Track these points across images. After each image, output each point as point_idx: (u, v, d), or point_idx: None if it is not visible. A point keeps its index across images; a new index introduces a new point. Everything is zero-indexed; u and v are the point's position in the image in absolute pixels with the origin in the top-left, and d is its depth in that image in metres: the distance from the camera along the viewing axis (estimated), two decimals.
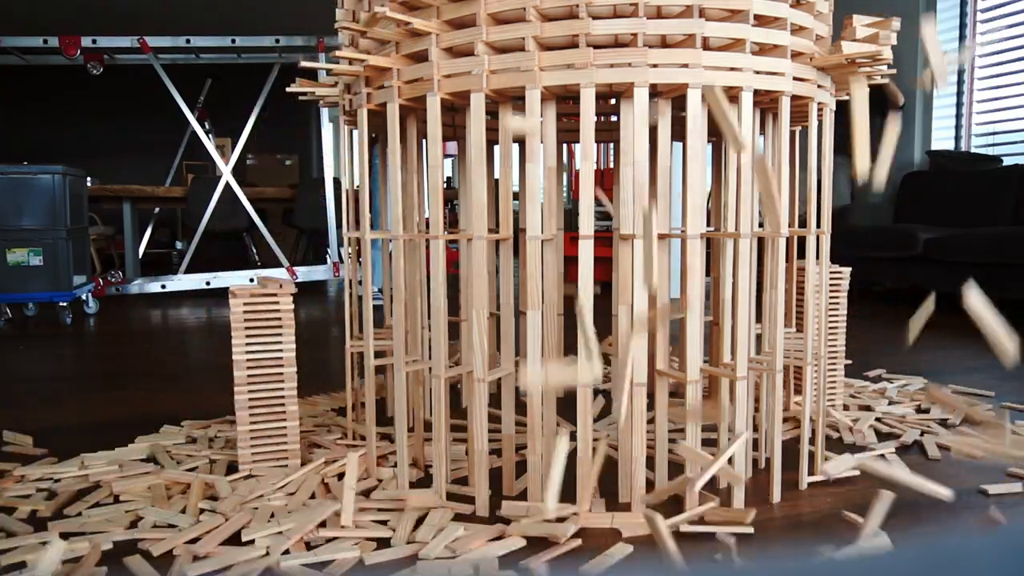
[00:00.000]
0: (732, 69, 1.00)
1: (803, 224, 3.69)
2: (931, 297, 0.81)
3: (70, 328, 3.04)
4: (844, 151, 4.08)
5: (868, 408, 1.63)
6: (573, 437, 1.36)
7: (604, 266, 3.99)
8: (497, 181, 1.27)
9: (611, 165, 5.04)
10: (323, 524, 1.03)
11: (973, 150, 4.02)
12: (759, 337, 1.43)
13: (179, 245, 5.96)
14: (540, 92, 1.00)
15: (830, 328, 1.57)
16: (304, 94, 1.39)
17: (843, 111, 3.88)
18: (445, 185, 5.84)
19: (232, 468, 1.28)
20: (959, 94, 4.03)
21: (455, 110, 1.51)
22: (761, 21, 1.02)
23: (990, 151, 3.91)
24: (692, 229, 1.04)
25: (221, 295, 4.20)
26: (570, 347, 2.33)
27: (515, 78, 0.99)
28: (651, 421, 1.41)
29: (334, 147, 4.47)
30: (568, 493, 1.14)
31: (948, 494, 0.96)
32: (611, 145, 4.57)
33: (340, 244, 4.11)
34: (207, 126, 4.74)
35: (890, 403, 1.68)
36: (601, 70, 0.97)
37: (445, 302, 1.09)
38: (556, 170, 1.36)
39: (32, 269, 3.05)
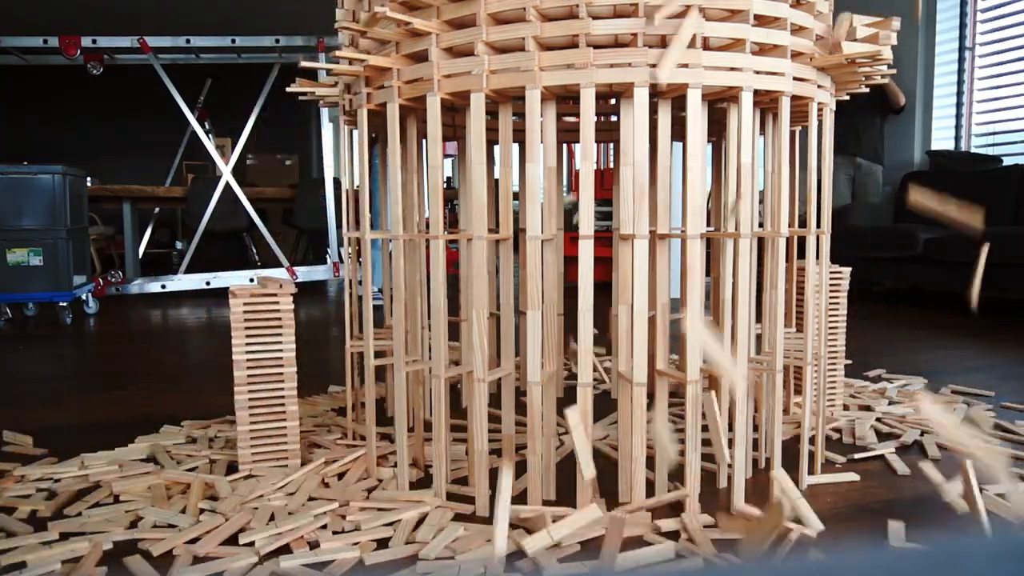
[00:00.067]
0: (732, 69, 1.00)
1: (803, 224, 3.69)
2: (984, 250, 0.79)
3: (70, 328, 3.04)
4: (844, 151, 4.08)
5: (868, 408, 1.63)
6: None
7: (604, 266, 3.99)
8: (497, 181, 1.27)
9: (611, 165, 5.04)
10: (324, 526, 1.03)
11: (973, 150, 4.02)
12: (759, 337, 1.43)
13: (179, 245, 5.96)
14: (540, 92, 1.00)
15: (830, 328, 1.57)
16: (304, 94, 1.39)
17: (843, 111, 3.88)
18: (445, 185, 5.84)
19: (232, 468, 1.28)
20: (959, 94, 4.03)
21: (455, 110, 1.51)
22: (761, 21, 1.02)
23: (990, 151, 3.91)
24: (692, 229, 1.04)
25: (221, 295, 4.20)
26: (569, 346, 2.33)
27: (515, 78, 0.99)
28: (651, 421, 1.41)
29: (334, 147, 4.47)
30: (568, 493, 1.14)
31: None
32: (611, 145, 4.57)
33: (340, 244, 4.11)
34: (207, 126, 4.74)
35: (890, 403, 1.68)
36: (601, 70, 0.97)
37: (445, 302, 1.09)
38: (556, 170, 1.36)
39: (32, 269, 3.05)
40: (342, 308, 3.68)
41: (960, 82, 4.03)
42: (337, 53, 1.06)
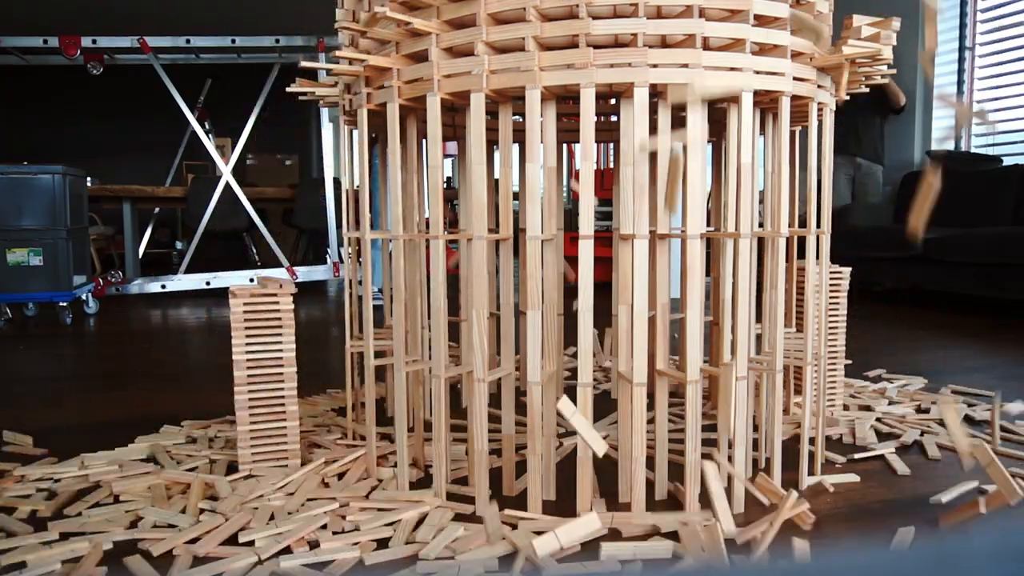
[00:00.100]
0: (732, 69, 1.00)
1: (803, 224, 3.69)
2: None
3: (70, 328, 3.04)
4: (844, 151, 4.08)
5: (868, 408, 1.63)
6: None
7: (604, 266, 3.99)
8: (497, 181, 1.27)
9: (611, 165, 5.04)
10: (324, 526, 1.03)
11: (973, 150, 4.02)
12: (759, 337, 1.43)
13: (179, 245, 5.96)
14: (540, 92, 1.00)
15: (830, 328, 1.57)
16: (304, 94, 1.39)
17: (842, 111, 3.88)
18: (445, 185, 5.84)
19: (232, 468, 1.28)
20: (959, 94, 4.03)
21: (455, 110, 1.51)
22: (761, 21, 1.02)
23: (990, 151, 3.91)
24: (692, 229, 1.04)
25: (221, 295, 4.20)
26: (570, 341, 2.33)
27: (515, 78, 0.99)
28: (651, 421, 1.41)
29: (334, 147, 4.47)
30: (568, 493, 1.14)
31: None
32: (611, 145, 4.57)
33: (340, 244, 4.11)
34: (207, 126, 4.74)
35: (890, 403, 1.68)
36: (601, 70, 0.97)
37: (445, 302, 1.09)
38: (556, 170, 1.36)
39: (32, 269, 3.05)
40: (342, 308, 3.68)
41: (960, 82, 4.03)
42: (337, 53, 1.06)
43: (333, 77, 1.29)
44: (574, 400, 1.36)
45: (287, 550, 0.97)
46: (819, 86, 1.13)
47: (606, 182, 4.58)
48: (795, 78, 1.07)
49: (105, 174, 5.03)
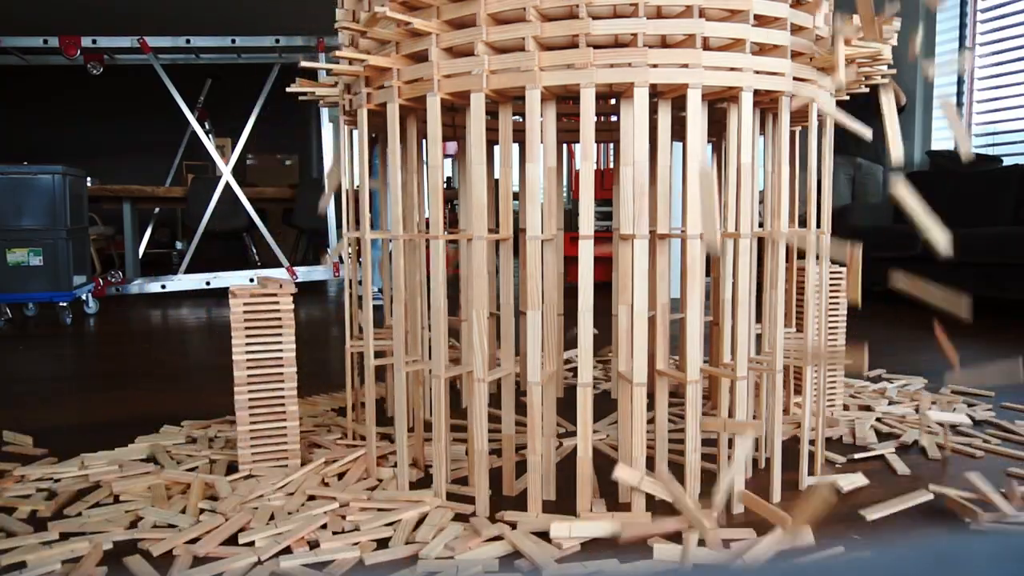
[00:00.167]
0: (732, 69, 1.00)
1: (803, 224, 3.69)
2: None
3: (70, 328, 3.05)
4: (844, 151, 4.08)
5: (868, 408, 1.63)
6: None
7: (604, 266, 3.99)
8: (497, 181, 1.27)
9: (611, 165, 5.04)
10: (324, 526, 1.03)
11: (973, 150, 4.02)
12: (759, 337, 1.43)
13: (179, 245, 5.96)
14: (540, 92, 1.00)
15: (830, 328, 1.57)
16: (304, 94, 1.39)
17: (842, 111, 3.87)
18: (445, 185, 5.84)
19: (232, 468, 1.28)
20: (959, 94, 4.03)
21: (455, 110, 1.51)
22: (761, 21, 1.02)
23: (990, 151, 3.91)
24: (692, 229, 1.04)
25: (221, 295, 4.20)
26: (570, 343, 2.33)
27: (515, 78, 0.99)
28: (651, 421, 1.41)
29: (334, 147, 4.47)
30: (568, 493, 1.14)
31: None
32: (611, 145, 4.57)
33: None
34: (207, 126, 4.74)
35: (890, 403, 1.68)
36: (601, 70, 0.97)
37: (445, 302, 1.09)
38: (556, 170, 1.36)
39: (32, 269, 3.06)
40: (342, 308, 3.68)
41: (960, 82, 4.03)
42: (337, 53, 1.06)
43: (333, 77, 1.29)
44: (574, 400, 1.36)
45: (287, 550, 0.97)
46: (819, 86, 1.13)
47: (606, 182, 4.58)
48: (795, 78, 1.07)
49: (105, 174, 5.03)
